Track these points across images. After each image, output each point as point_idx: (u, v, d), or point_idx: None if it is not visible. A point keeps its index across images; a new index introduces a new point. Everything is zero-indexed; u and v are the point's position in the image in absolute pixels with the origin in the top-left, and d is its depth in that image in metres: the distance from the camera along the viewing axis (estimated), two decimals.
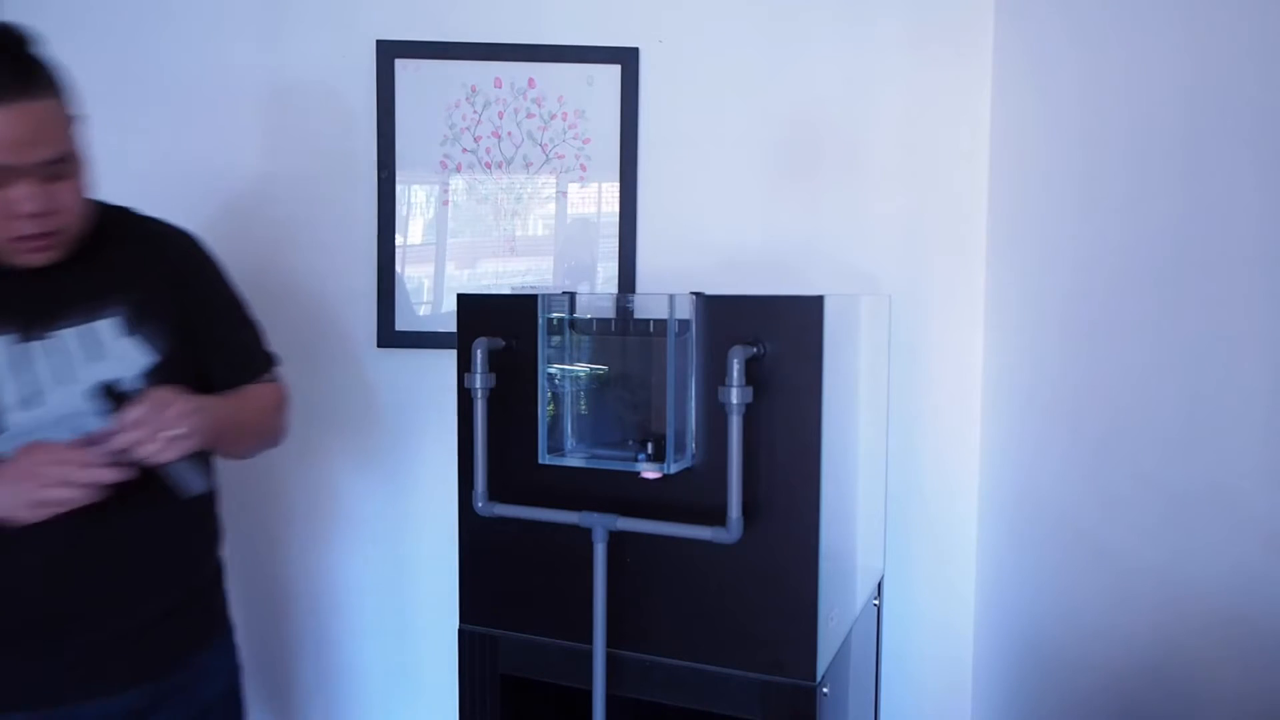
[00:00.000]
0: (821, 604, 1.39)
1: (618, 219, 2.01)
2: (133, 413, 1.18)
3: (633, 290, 2.00)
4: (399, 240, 2.02)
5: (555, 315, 1.47)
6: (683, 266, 2.00)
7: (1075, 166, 1.66)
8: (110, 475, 1.17)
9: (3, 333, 1.20)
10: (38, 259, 1.22)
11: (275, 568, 2.10)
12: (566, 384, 1.48)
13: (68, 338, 1.24)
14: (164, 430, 1.18)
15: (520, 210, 2.03)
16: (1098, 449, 1.55)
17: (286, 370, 1.54)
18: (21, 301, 1.22)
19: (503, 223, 2.03)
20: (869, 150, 2.02)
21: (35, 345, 1.22)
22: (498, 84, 2.00)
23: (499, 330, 1.50)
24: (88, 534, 1.27)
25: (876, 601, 1.90)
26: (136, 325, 1.31)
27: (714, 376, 1.38)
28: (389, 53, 1.98)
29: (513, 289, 2.03)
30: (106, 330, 1.28)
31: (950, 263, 2.03)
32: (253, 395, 1.45)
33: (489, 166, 2.01)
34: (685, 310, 1.41)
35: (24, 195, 1.15)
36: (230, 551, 1.54)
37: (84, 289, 1.28)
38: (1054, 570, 1.70)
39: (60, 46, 1.99)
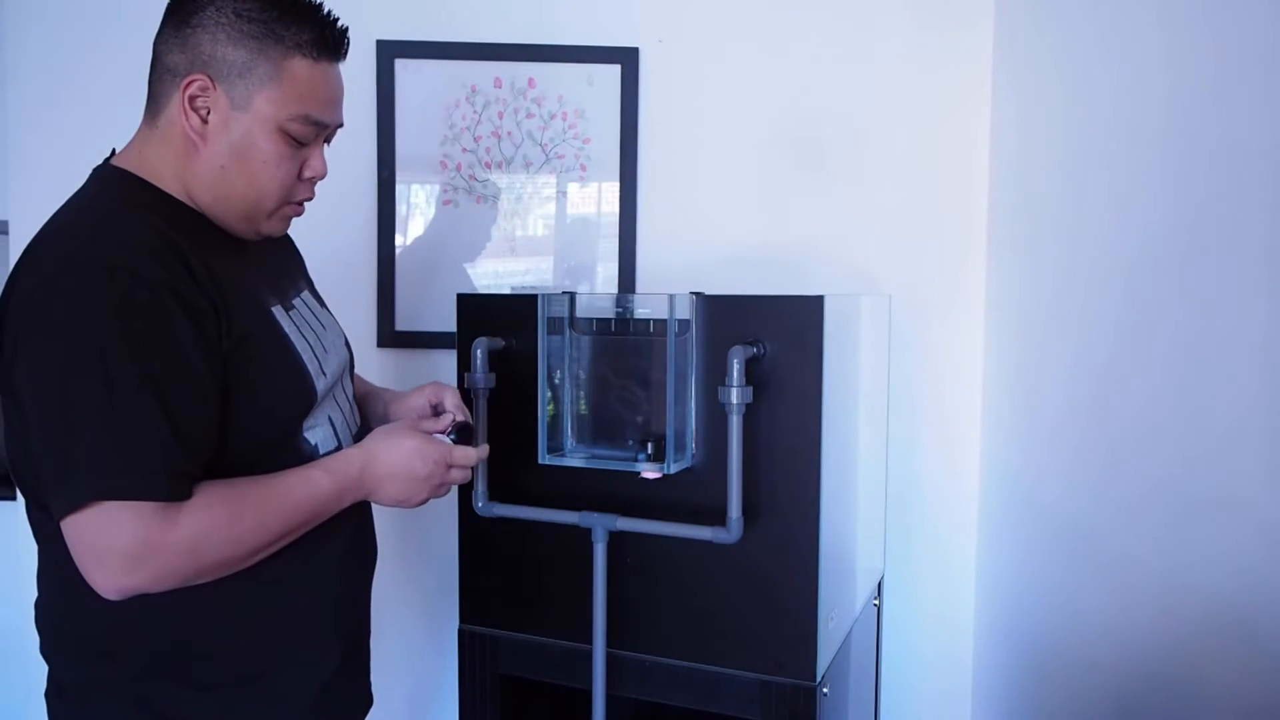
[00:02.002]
0: (821, 604, 1.39)
1: (618, 219, 2.01)
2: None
3: (633, 290, 2.00)
4: (399, 240, 2.02)
5: (555, 315, 1.47)
6: (683, 266, 2.00)
7: (1077, 165, 1.66)
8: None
9: (272, 304, 1.14)
10: (283, 227, 1.17)
11: None
12: (566, 384, 1.48)
13: (299, 306, 1.20)
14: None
15: (520, 210, 2.03)
16: (1098, 449, 1.55)
17: None
18: (261, 274, 1.16)
19: (503, 223, 2.03)
20: (869, 150, 2.02)
21: (293, 314, 1.17)
22: (498, 84, 2.00)
23: (499, 330, 1.50)
24: (364, 527, 1.29)
25: (876, 601, 1.90)
26: (319, 298, 1.31)
27: (714, 376, 1.38)
28: (389, 53, 1.98)
29: (513, 289, 2.03)
30: (311, 300, 1.26)
31: (950, 263, 2.03)
32: None
33: (489, 166, 2.01)
34: (685, 310, 1.41)
35: (318, 158, 1.13)
36: None
37: (280, 264, 1.25)
38: (1054, 570, 1.70)
39: (59, 47, 2.01)
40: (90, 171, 1.13)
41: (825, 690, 1.42)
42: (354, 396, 1.33)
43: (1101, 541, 1.53)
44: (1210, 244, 1.24)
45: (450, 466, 1.22)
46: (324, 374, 1.17)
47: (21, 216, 1.96)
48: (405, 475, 1.16)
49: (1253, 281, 1.16)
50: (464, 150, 2.01)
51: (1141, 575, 1.40)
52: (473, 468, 1.30)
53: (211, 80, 1.05)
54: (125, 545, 0.95)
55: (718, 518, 1.37)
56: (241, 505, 1.02)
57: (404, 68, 1.98)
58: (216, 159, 1.07)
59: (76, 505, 0.94)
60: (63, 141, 1.97)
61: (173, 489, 0.97)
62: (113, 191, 1.08)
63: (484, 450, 1.32)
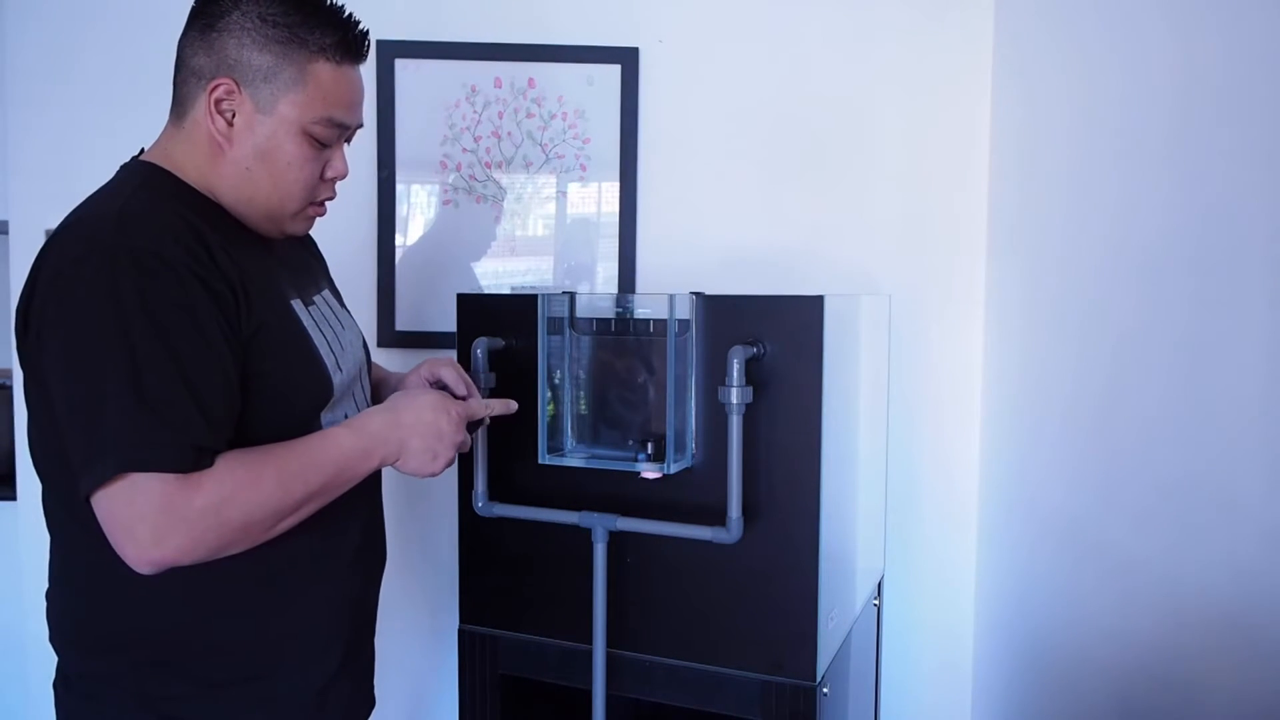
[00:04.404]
0: (821, 604, 1.39)
1: (618, 219, 2.01)
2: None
3: (633, 290, 2.00)
4: (399, 240, 2.02)
5: (555, 315, 1.47)
6: (683, 266, 2.00)
7: (1076, 164, 1.65)
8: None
9: (293, 298, 1.16)
10: (306, 227, 1.20)
11: None
12: (566, 384, 1.48)
13: (319, 304, 1.22)
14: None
15: (520, 210, 2.03)
16: (1098, 448, 1.55)
17: None
18: (284, 269, 1.18)
19: (503, 223, 2.03)
20: (869, 150, 2.02)
21: (313, 310, 1.19)
22: (498, 84, 2.00)
23: (499, 330, 1.50)
24: (374, 530, 1.29)
25: (876, 601, 1.90)
26: (339, 299, 1.32)
27: (714, 376, 1.38)
28: (389, 53, 1.98)
29: (513, 289, 2.03)
30: (331, 300, 1.27)
31: (950, 263, 2.03)
32: None
33: (489, 166, 2.01)
34: (685, 310, 1.41)
35: (340, 159, 1.16)
36: None
37: (303, 263, 1.27)
38: (1053, 570, 1.70)
39: (59, 47, 2.01)
40: (107, 169, 1.15)
41: (825, 690, 1.42)
42: (370, 393, 1.34)
43: (1101, 541, 1.53)
44: (1214, 246, 1.24)
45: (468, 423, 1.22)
46: (340, 370, 1.18)
47: (21, 216, 1.96)
48: (432, 432, 1.15)
49: (1257, 283, 1.16)
50: (464, 150, 2.01)
51: (1140, 574, 1.40)
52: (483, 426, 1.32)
53: (237, 84, 1.07)
54: (151, 515, 0.95)
55: (718, 518, 1.37)
56: (263, 466, 1.03)
57: (404, 68, 1.98)
58: (242, 161, 1.09)
59: (104, 480, 0.95)
60: (63, 142, 1.97)
61: (196, 460, 0.98)
62: (140, 181, 1.09)
63: (508, 405, 1.32)
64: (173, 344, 0.98)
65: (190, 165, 1.10)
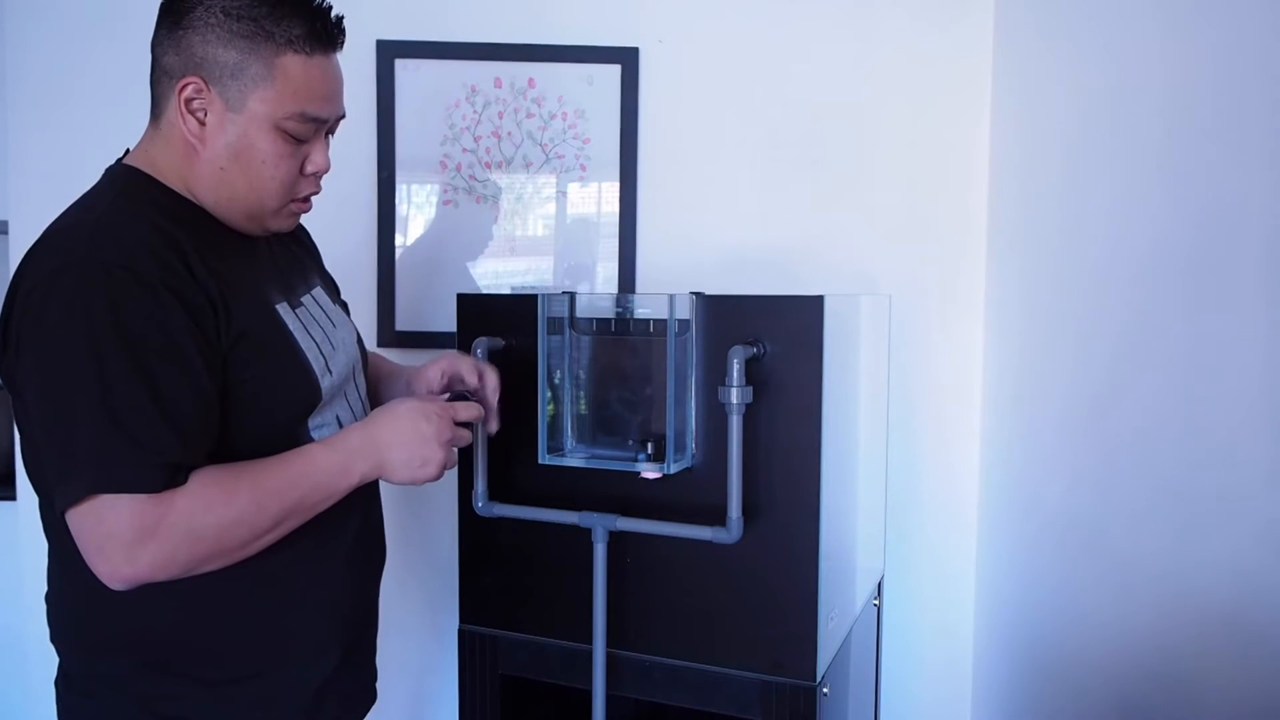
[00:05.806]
0: (821, 604, 1.39)
1: (618, 219, 2.01)
2: (493, 379, 1.32)
3: (633, 290, 2.00)
4: (399, 240, 2.02)
5: (555, 315, 1.47)
6: (683, 266, 2.00)
7: (1078, 163, 1.66)
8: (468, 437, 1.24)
9: (278, 302, 1.13)
10: (291, 224, 1.17)
11: None
12: (566, 384, 1.48)
13: (308, 304, 1.19)
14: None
15: (520, 210, 2.03)
16: (1097, 448, 1.55)
17: None
18: (270, 271, 1.16)
19: (503, 223, 2.03)
20: (869, 150, 2.02)
21: (301, 311, 1.16)
22: (498, 84, 2.00)
23: (499, 330, 1.50)
24: (371, 526, 1.29)
25: (876, 601, 1.90)
26: (333, 296, 1.29)
27: (714, 376, 1.38)
28: (389, 53, 1.98)
29: (513, 289, 2.03)
30: (323, 297, 1.24)
31: (950, 262, 2.03)
32: None
33: (489, 166, 2.01)
34: (685, 310, 1.41)
35: (320, 153, 1.12)
36: None
37: (292, 260, 1.24)
38: (1054, 570, 1.70)
39: (59, 47, 2.01)
40: (103, 170, 1.14)
41: (825, 690, 1.42)
42: (367, 391, 1.33)
43: (1101, 540, 1.53)
44: (1212, 245, 1.24)
45: (455, 422, 1.19)
46: (330, 372, 1.16)
47: (21, 216, 1.96)
48: (413, 437, 1.12)
49: (1254, 282, 1.16)
50: (464, 150, 2.01)
51: (1141, 574, 1.40)
52: (474, 434, 1.30)
53: (205, 82, 1.04)
54: (123, 534, 0.95)
55: (718, 518, 1.37)
56: (236, 484, 1.02)
57: (404, 68, 1.98)
58: (216, 160, 1.07)
59: (75, 499, 0.95)
60: (63, 142, 1.97)
61: (169, 478, 0.97)
62: (120, 188, 1.08)
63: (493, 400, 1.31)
64: (145, 360, 0.97)
65: (169, 167, 1.09)
